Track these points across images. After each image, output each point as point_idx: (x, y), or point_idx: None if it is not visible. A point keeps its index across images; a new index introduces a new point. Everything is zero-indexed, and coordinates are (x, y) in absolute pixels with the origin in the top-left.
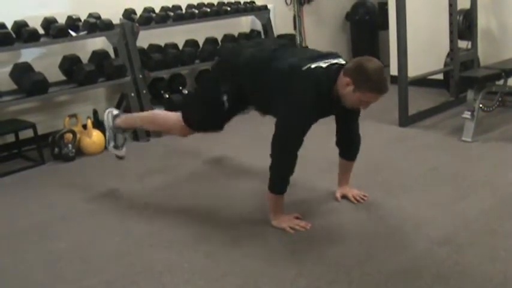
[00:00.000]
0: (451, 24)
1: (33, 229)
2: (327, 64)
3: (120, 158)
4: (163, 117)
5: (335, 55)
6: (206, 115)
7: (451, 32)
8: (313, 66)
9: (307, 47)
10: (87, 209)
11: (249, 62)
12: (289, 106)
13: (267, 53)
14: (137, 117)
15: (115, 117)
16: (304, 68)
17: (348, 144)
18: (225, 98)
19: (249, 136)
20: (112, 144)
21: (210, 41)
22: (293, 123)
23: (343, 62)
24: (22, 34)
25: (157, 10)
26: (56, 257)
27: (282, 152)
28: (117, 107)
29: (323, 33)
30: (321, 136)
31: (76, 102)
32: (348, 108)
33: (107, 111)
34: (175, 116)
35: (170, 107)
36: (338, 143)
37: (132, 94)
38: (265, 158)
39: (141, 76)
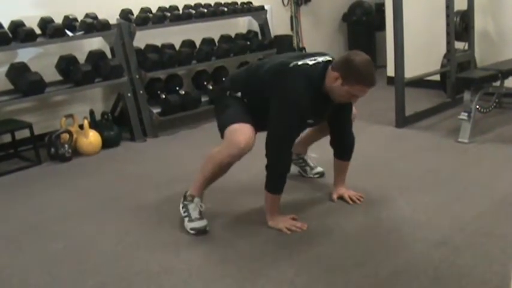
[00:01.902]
0: (448, 25)
1: (30, 230)
2: (313, 61)
3: (203, 231)
4: (211, 157)
5: (321, 53)
6: (233, 112)
7: (448, 33)
8: (299, 63)
9: (304, 48)
10: (83, 210)
11: (242, 78)
12: (281, 105)
13: (255, 65)
14: (199, 173)
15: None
16: (291, 65)
17: (342, 144)
18: (240, 95)
19: None
20: (187, 220)
21: (207, 42)
22: (286, 121)
23: (330, 58)
24: (19, 34)
25: (154, 10)
26: (53, 258)
27: (277, 151)
28: (114, 107)
29: (320, 34)
30: None
31: (73, 103)
32: (336, 102)
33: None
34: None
35: (166, 108)
36: (332, 143)
37: (129, 94)
38: (263, 159)
39: (137, 76)
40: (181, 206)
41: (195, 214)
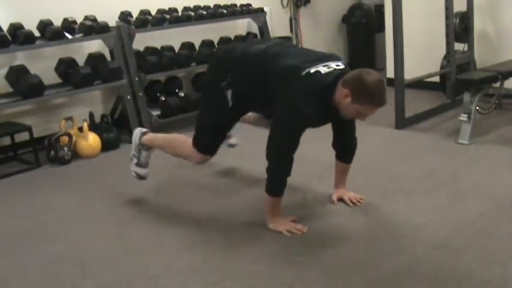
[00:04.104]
0: (447, 26)
1: (29, 232)
2: (325, 70)
3: (142, 177)
4: (182, 141)
5: (334, 57)
6: (213, 116)
7: (447, 35)
8: (312, 71)
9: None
10: (83, 212)
11: (240, 58)
12: (286, 110)
13: (260, 49)
14: (160, 138)
15: (143, 134)
16: (303, 73)
17: (345, 147)
18: (228, 93)
19: (248, 140)
20: (135, 161)
21: (207, 44)
22: (289, 127)
23: (343, 67)
24: (18, 36)
25: (153, 12)
26: (52, 260)
27: (278, 154)
28: (113, 110)
29: (319, 36)
30: (318, 138)
31: (72, 105)
32: (344, 118)
33: (137, 129)
34: (191, 142)
35: (166, 110)
36: (334, 145)
37: (128, 97)
38: (263, 162)
39: (137, 79)
40: (136, 147)
41: (144, 161)
